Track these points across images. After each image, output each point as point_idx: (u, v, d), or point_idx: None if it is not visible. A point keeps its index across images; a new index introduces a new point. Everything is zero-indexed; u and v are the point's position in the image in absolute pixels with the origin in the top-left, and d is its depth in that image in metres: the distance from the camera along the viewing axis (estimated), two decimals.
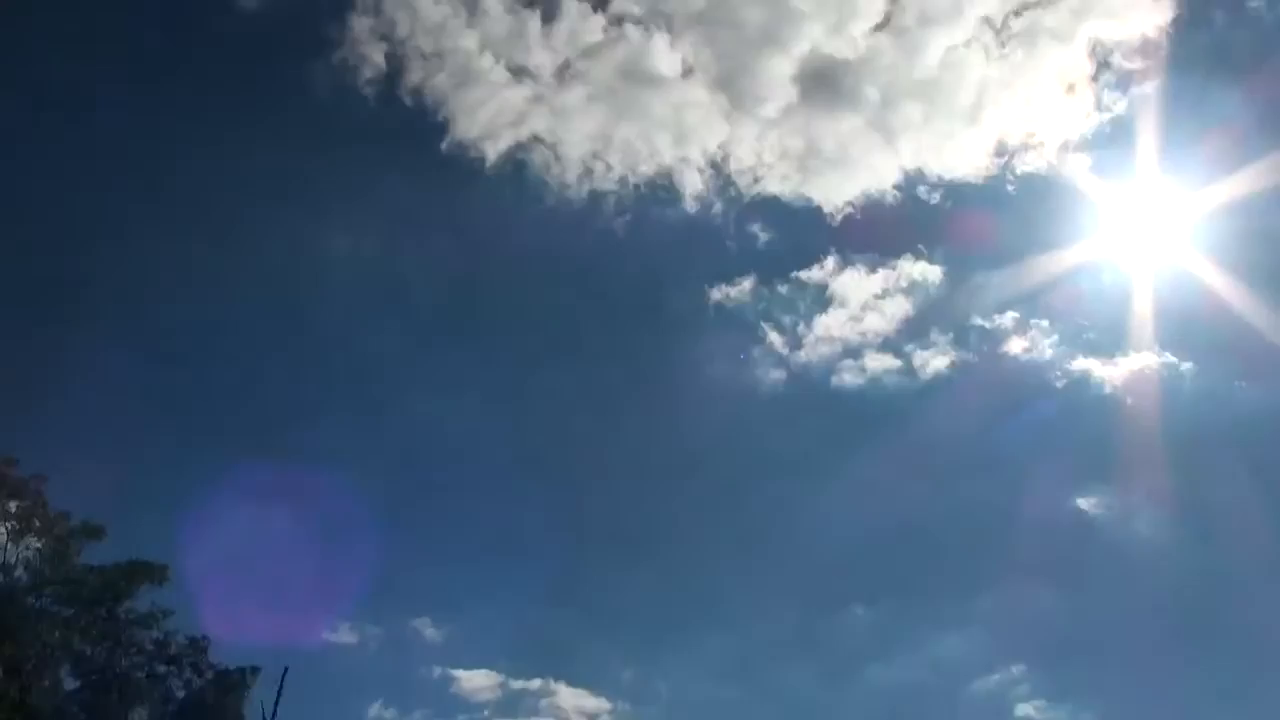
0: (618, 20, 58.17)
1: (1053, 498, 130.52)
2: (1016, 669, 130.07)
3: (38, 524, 36.69)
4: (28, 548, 36.76)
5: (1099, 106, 61.92)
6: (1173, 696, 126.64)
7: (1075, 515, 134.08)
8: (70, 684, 37.59)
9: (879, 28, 57.61)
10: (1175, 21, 58.10)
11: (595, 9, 58.18)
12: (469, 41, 59.02)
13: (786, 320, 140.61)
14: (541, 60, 59.39)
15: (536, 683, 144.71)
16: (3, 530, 36.22)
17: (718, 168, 61.13)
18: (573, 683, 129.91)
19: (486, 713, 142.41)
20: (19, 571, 36.80)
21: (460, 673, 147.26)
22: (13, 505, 36.36)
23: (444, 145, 63.34)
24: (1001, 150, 59.47)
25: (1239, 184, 55.88)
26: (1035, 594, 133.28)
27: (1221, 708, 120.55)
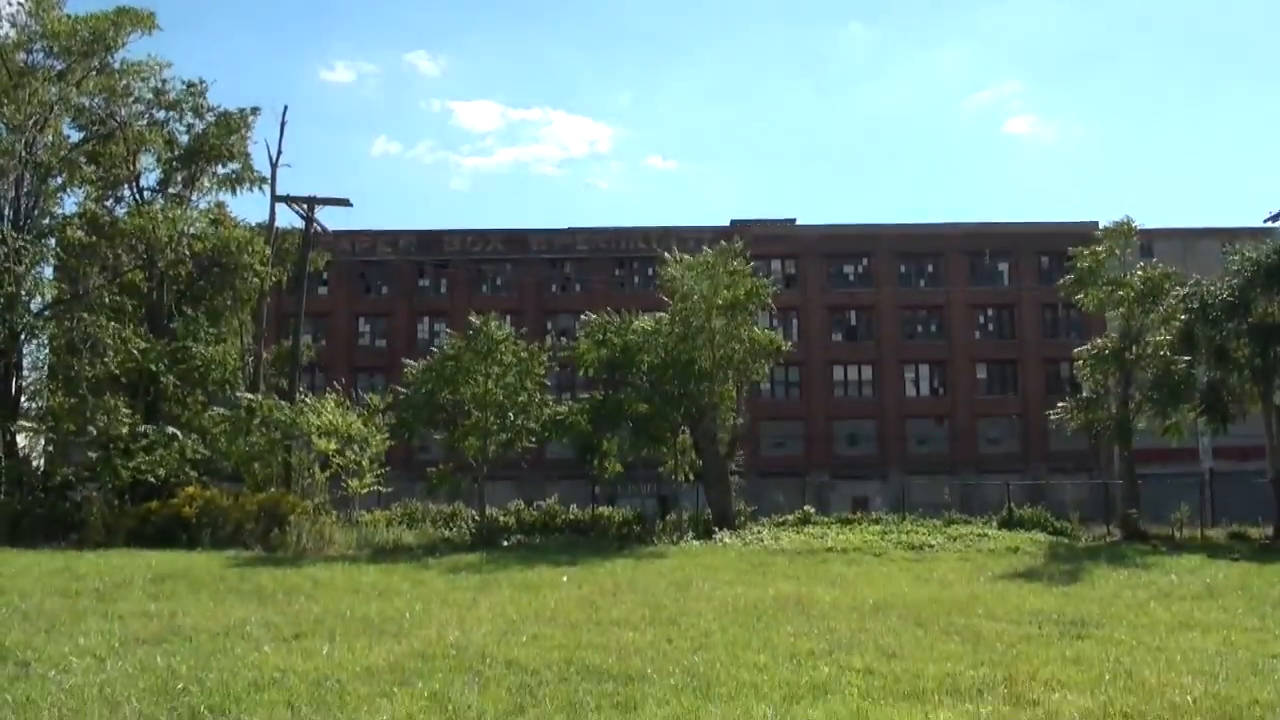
0: None
1: None
2: (1009, 86, 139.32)
3: None
4: (10, 2, 36.42)
5: None
6: (1169, 113, 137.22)
7: None
8: (74, 137, 38.92)
9: None
10: None
11: None
12: None
13: None
14: None
15: (536, 112, 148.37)
16: None
17: None
18: (571, 110, 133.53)
19: (489, 141, 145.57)
20: (4, 29, 36.93)
21: (460, 105, 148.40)
22: None
23: None
24: None
25: None
26: (1033, 7, 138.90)
27: (1220, 124, 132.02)
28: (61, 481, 33.09)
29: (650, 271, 60.47)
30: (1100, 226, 39.42)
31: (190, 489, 31.44)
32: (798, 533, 33.57)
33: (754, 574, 21.92)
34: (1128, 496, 36.02)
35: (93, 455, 33.80)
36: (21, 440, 36.47)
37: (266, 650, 10.94)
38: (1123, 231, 37.18)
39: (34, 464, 36.79)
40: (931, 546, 29.80)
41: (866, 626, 13.22)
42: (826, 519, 37.73)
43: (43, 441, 37.22)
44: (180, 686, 8.90)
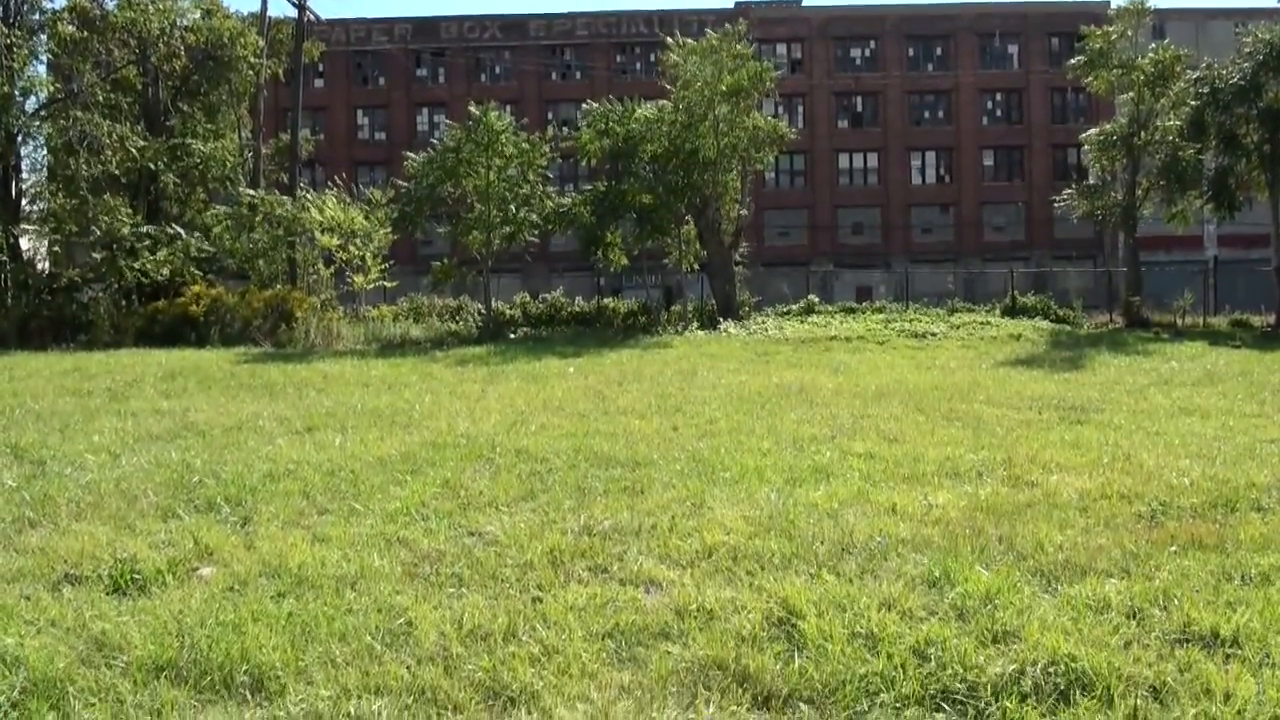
0: None
1: None
2: None
3: None
4: None
5: None
6: None
7: None
8: None
9: None
10: None
11: None
12: None
13: None
14: None
15: None
16: None
17: None
18: None
19: None
20: None
21: None
22: None
23: None
24: None
25: None
26: None
27: None
28: (67, 283, 33.11)
29: (652, 57, 59.08)
30: (1112, 6, 38.25)
31: (196, 287, 31.54)
32: (801, 322, 33.79)
33: (758, 363, 22.16)
34: (1131, 284, 36.05)
35: (97, 256, 33.73)
36: (25, 243, 36.34)
37: (280, 443, 11.12)
38: (1135, 11, 36.06)
39: (39, 267, 36.75)
40: (934, 334, 30.05)
41: (868, 413, 13.41)
42: (830, 308, 37.92)
43: (46, 244, 37.09)
44: (196, 480, 9.06)
